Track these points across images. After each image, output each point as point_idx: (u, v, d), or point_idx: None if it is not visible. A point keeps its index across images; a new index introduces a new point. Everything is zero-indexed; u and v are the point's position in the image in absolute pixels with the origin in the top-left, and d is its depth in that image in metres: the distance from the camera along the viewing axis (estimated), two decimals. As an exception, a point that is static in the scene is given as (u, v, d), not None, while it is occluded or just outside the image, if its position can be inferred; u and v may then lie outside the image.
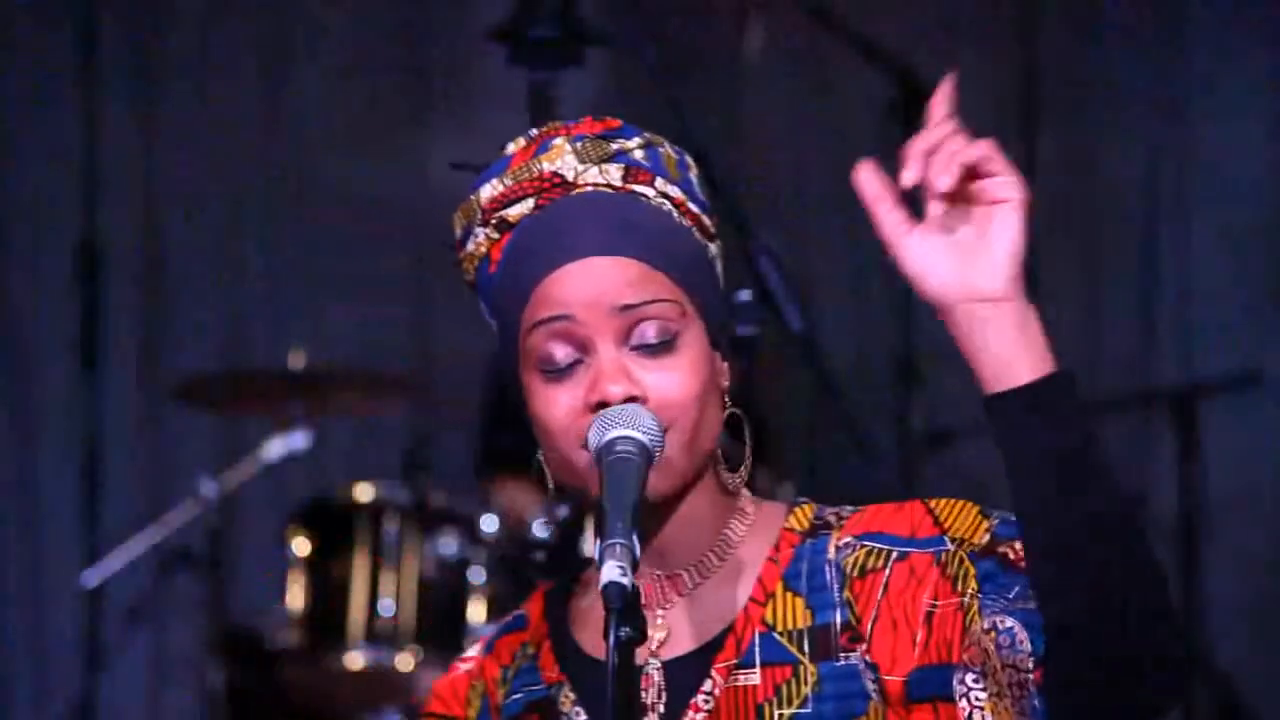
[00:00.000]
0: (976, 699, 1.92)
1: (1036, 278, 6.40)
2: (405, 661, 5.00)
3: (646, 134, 2.07)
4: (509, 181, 2.05)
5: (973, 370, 1.92)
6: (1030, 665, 1.88)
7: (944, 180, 1.87)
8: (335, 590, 5.12)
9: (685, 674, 2.00)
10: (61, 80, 6.19)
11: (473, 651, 2.16)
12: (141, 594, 5.82)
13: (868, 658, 1.97)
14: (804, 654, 1.99)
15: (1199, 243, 6.28)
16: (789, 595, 2.02)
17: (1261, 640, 6.16)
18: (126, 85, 6.30)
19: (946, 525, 2.01)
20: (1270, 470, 6.16)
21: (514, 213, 2.04)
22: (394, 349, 6.44)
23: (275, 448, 5.31)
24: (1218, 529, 5.88)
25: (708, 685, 2.00)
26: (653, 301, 1.98)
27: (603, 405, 1.96)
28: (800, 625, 2.00)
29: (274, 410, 5.37)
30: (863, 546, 2.02)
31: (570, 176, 2.03)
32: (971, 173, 1.91)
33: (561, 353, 1.98)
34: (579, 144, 2.04)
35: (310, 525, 5.24)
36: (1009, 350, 1.91)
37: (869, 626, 1.98)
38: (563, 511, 4.06)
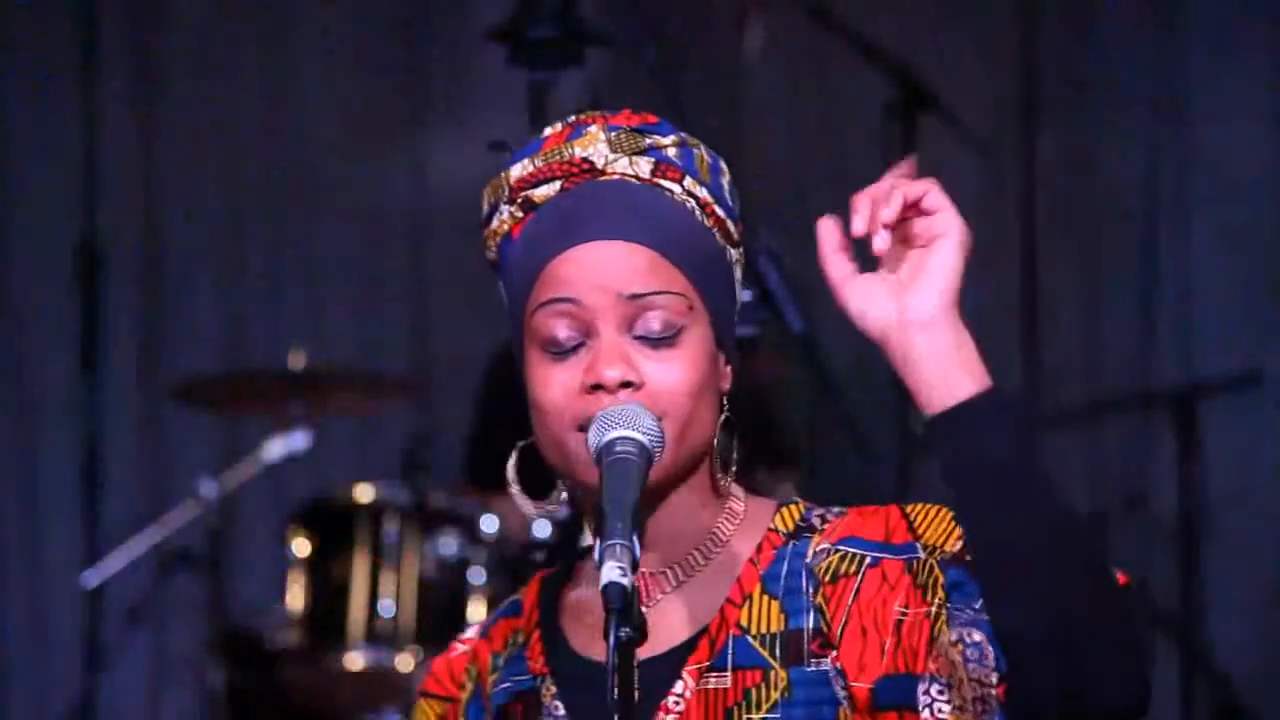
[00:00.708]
0: (940, 710, 1.92)
1: (1036, 278, 6.44)
2: (405, 662, 5.00)
3: (684, 134, 2.07)
4: (539, 162, 2.04)
5: (911, 397, 1.93)
6: (994, 680, 1.89)
7: (885, 213, 1.89)
8: (335, 590, 5.12)
9: (657, 674, 1.99)
10: (61, 80, 6.19)
11: (471, 632, 2.16)
12: (141, 594, 5.82)
13: (838, 665, 1.97)
14: (775, 658, 1.99)
15: (1199, 243, 6.28)
16: (765, 598, 2.02)
17: (1261, 640, 6.16)
18: (126, 85, 6.30)
19: (920, 531, 2.00)
20: (1270, 470, 6.16)
21: (540, 193, 2.04)
22: (394, 349, 6.45)
23: (275, 448, 5.31)
24: (1218, 529, 5.88)
25: (679, 687, 2.00)
26: (660, 293, 1.99)
27: (598, 388, 1.96)
28: (773, 629, 2.00)
29: (274, 410, 5.37)
30: (836, 552, 2.01)
31: (599, 164, 2.03)
32: (914, 211, 1.92)
33: (564, 334, 1.98)
34: (613, 134, 2.04)
35: (310, 525, 5.24)
36: (943, 371, 1.93)
37: (839, 632, 1.98)
38: (563, 512, 4.05)
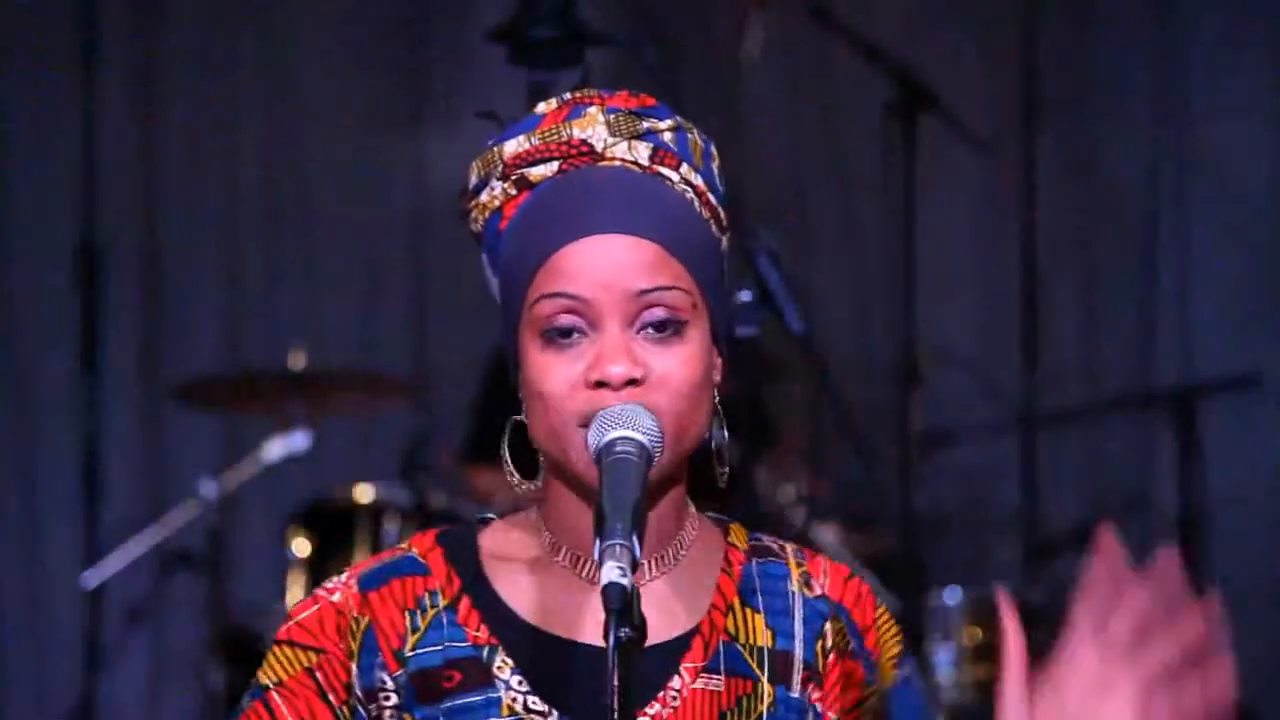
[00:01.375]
0: None
1: (1036, 278, 6.44)
2: (405, 662, 4.99)
3: (678, 117, 2.06)
4: (536, 140, 2.03)
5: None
6: None
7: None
8: (335, 591, 5.12)
9: (651, 666, 1.99)
10: (61, 80, 6.19)
11: (337, 583, 2.09)
12: (141, 594, 5.82)
13: (817, 705, 2.03)
14: (764, 672, 2.02)
15: (1199, 243, 6.29)
16: (748, 610, 2.04)
17: (1262, 640, 6.16)
18: (126, 85, 6.30)
19: (882, 649, 2.08)
20: (1270, 470, 6.16)
21: (536, 173, 2.02)
22: (394, 349, 6.45)
23: (275, 448, 5.31)
24: (1218, 529, 5.88)
25: (675, 683, 2.00)
26: (667, 288, 1.97)
27: (602, 384, 1.95)
28: (762, 643, 2.03)
29: (274, 410, 5.37)
30: (840, 622, 2.07)
31: (599, 147, 2.02)
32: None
33: (566, 325, 1.97)
34: (612, 116, 2.03)
35: (310, 525, 5.24)
36: None
37: (830, 703, 2.04)
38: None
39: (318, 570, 5.19)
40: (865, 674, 2.05)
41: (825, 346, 4.08)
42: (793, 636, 2.04)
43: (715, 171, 2.07)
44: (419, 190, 6.39)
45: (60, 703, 6.05)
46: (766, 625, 2.03)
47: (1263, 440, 6.16)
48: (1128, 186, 6.40)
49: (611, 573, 1.81)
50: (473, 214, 2.07)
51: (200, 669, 5.41)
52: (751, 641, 2.02)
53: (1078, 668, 1.95)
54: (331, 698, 2.03)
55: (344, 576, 2.09)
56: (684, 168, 2.04)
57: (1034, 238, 6.38)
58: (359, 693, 2.02)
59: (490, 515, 2.13)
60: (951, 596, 5.37)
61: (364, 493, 5.22)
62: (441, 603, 2.04)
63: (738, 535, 2.10)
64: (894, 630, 2.09)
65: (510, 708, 1.98)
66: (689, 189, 2.04)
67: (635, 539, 1.84)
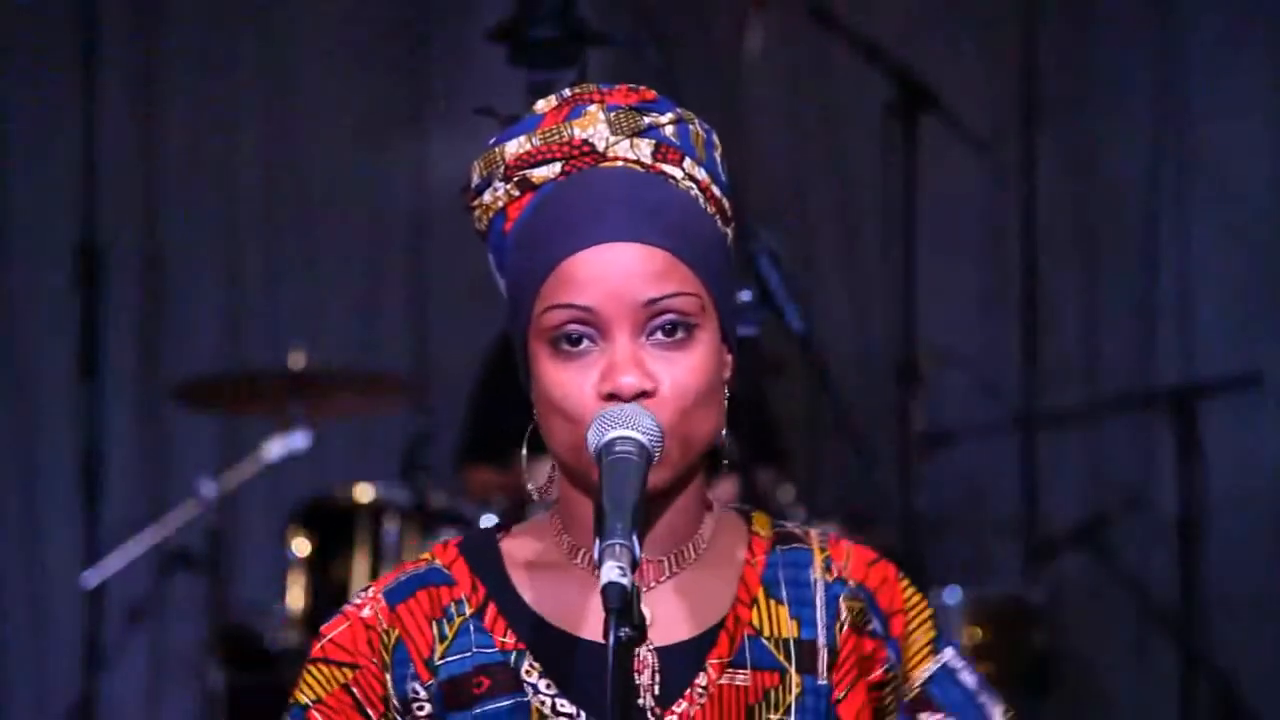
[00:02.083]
0: None
1: (1037, 278, 6.44)
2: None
3: (679, 109, 2.06)
4: (537, 141, 2.02)
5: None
6: None
7: None
8: (335, 590, 5.12)
9: (679, 663, 2.00)
10: (61, 80, 6.19)
11: (363, 599, 2.07)
12: (141, 594, 5.82)
13: (832, 683, 2.03)
14: (790, 663, 2.02)
15: (1199, 243, 6.29)
16: (771, 602, 2.04)
17: (1261, 640, 6.16)
18: (126, 85, 6.30)
19: (909, 635, 2.07)
20: (1270, 470, 6.16)
21: (539, 174, 2.02)
22: (394, 349, 6.45)
23: (275, 448, 5.31)
24: (1218, 529, 5.88)
25: (702, 679, 2.01)
26: (676, 295, 1.97)
27: (614, 397, 1.95)
28: (786, 634, 2.03)
29: (274, 410, 5.37)
30: (860, 601, 2.06)
31: (601, 147, 2.01)
32: None
33: (575, 334, 1.96)
34: (613, 114, 2.02)
35: (310, 525, 5.24)
36: None
37: (845, 687, 2.03)
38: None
39: (318, 570, 5.19)
40: (890, 657, 2.04)
41: (825, 346, 4.08)
42: (816, 624, 2.04)
43: (718, 161, 2.07)
44: (419, 190, 6.39)
45: (60, 703, 6.05)
46: (790, 616, 2.03)
47: (1263, 440, 6.16)
48: (1128, 186, 6.40)
49: (611, 572, 1.82)
50: (476, 213, 2.07)
51: (200, 669, 5.41)
52: (776, 634, 2.03)
53: None
54: (370, 711, 2.04)
55: (370, 592, 2.08)
56: (687, 162, 2.04)
57: (1034, 237, 6.38)
58: (395, 702, 2.03)
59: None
60: (951, 596, 5.37)
61: (364, 492, 5.22)
62: (468, 610, 2.05)
63: (761, 524, 2.10)
64: (924, 618, 2.08)
65: (539, 711, 1.99)
66: (693, 184, 2.04)
67: (635, 538, 1.85)
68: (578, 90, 2.06)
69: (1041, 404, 6.32)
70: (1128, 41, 6.41)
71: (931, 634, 2.07)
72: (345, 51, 6.44)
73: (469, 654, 2.02)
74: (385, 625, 2.05)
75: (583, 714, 1.98)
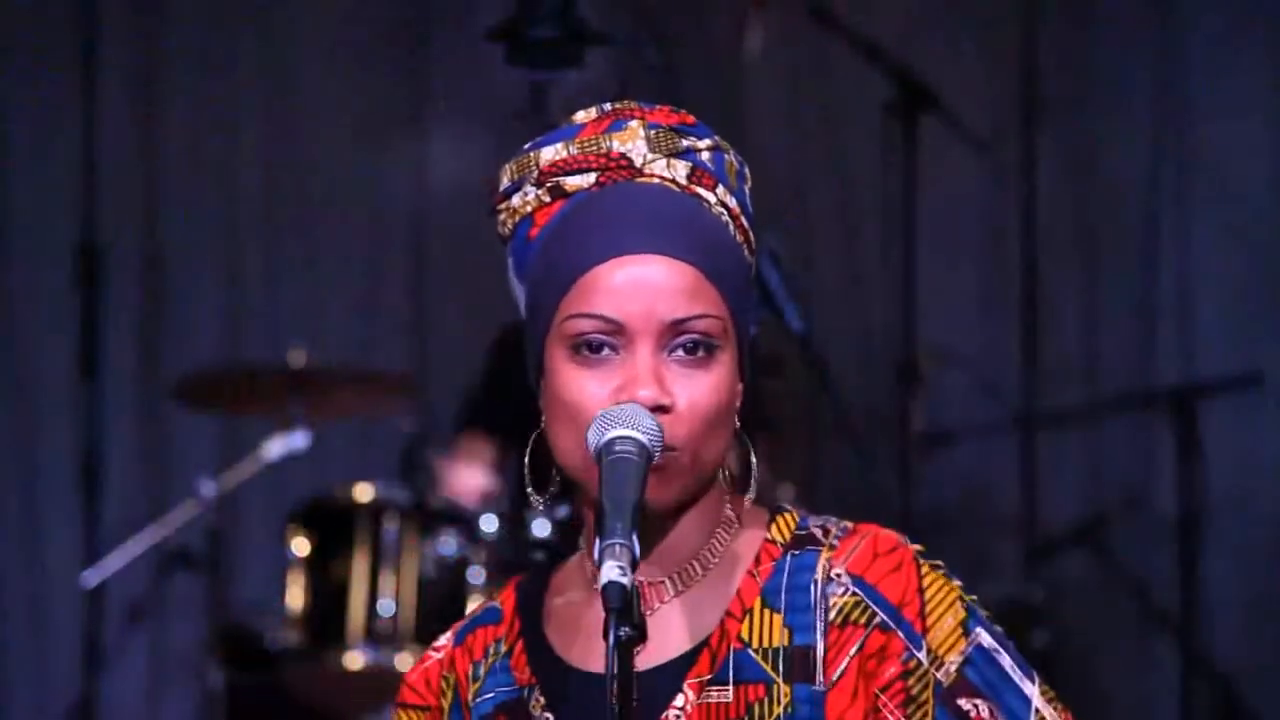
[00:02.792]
0: None
1: (1036, 277, 6.44)
2: (405, 661, 5.00)
3: (716, 137, 2.05)
4: (574, 150, 2.01)
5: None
6: None
7: None
8: (335, 590, 5.12)
9: (658, 686, 1.98)
10: (61, 80, 6.19)
11: (444, 640, 2.12)
12: (141, 594, 5.82)
13: (824, 690, 1.98)
14: (778, 673, 1.98)
15: (1199, 243, 6.29)
16: (767, 612, 2.01)
17: (1261, 640, 6.16)
18: (126, 85, 6.30)
19: (929, 624, 1.98)
20: (1270, 470, 6.16)
21: (573, 182, 2.00)
22: (394, 349, 6.45)
23: (275, 448, 5.31)
24: (1218, 529, 5.88)
25: (679, 700, 1.98)
26: (702, 316, 1.96)
27: None
28: (777, 643, 1.99)
29: (274, 410, 5.38)
30: (852, 594, 2.00)
31: (638, 163, 2.00)
32: None
33: (597, 342, 1.95)
34: (653, 132, 2.01)
35: (310, 525, 5.24)
36: None
37: (834, 678, 1.97)
38: (562, 511, 4.05)
39: (317, 570, 5.19)
40: (905, 647, 1.97)
41: (825, 346, 4.08)
42: (812, 629, 1.99)
43: (748, 194, 2.07)
44: (419, 190, 6.39)
45: (60, 703, 6.05)
46: (784, 624, 1.99)
47: (1263, 440, 6.16)
48: (1128, 186, 6.40)
49: (611, 571, 1.81)
50: (502, 216, 2.05)
51: (200, 669, 5.41)
52: (765, 644, 1.99)
53: None
54: None
55: (449, 632, 2.13)
56: (720, 189, 2.03)
57: (1034, 238, 6.38)
58: None
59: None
60: (951, 596, 5.36)
61: (364, 492, 5.22)
62: (503, 649, 2.07)
63: (782, 527, 2.06)
64: (949, 599, 2.00)
65: None
66: (724, 211, 2.03)
67: (635, 538, 1.84)
68: (619, 105, 2.05)
69: (1041, 404, 6.32)
70: (1128, 41, 6.41)
71: (961, 615, 2.00)
72: (345, 51, 6.44)
73: (492, 695, 2.05)
74: (446, 670, 2.09)
75: None
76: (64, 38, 6.18)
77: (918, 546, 2.04)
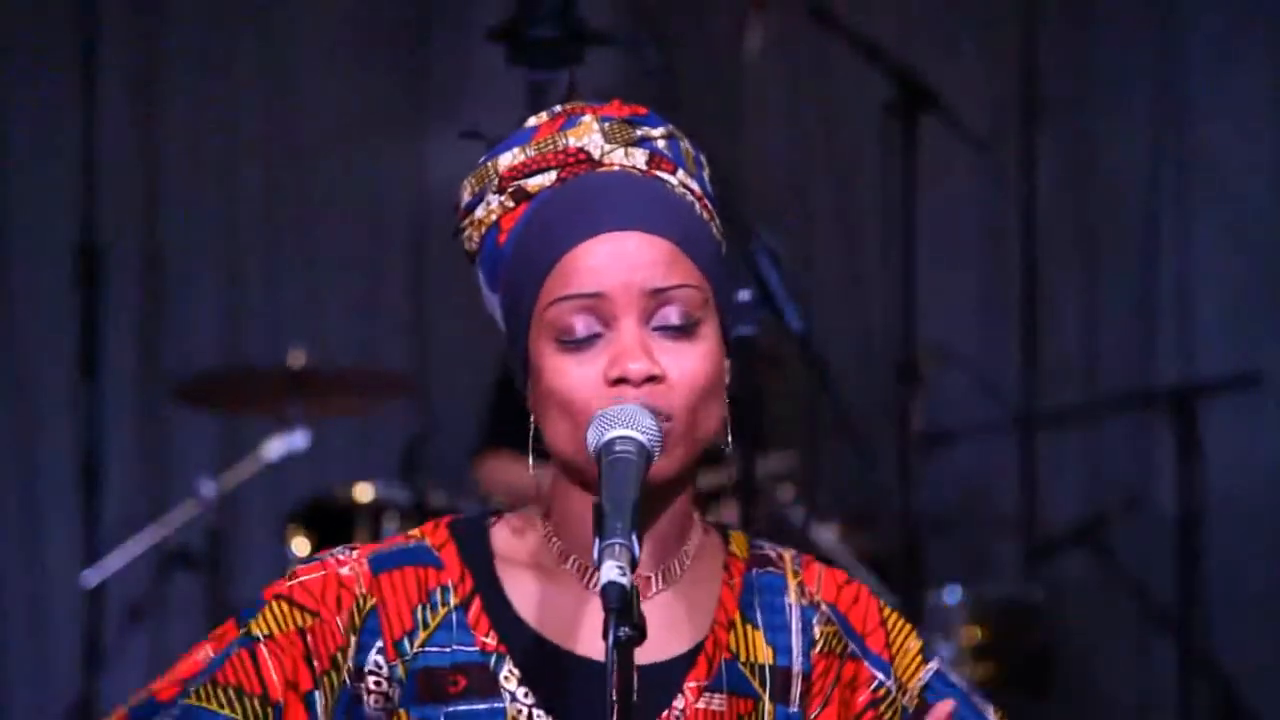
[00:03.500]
0: None
1: (1036, 277, 6.44)
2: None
3: (670, 125, 2.06)
4: (531, 152, 2.02)
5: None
6: None
7: None
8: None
9: (657, 684, 1.99)
10: (61, 80, 6.19)
11: (348, 556, 2.04)
12: (141, 594, 5.82)
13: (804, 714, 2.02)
14: (764, 691, 2.01)
15: (1199, 243, 6.29)
16: (748, 626, 2.04)
17: (1261, 640, 6.16)
18: (126, 85, 6.30)
19: (894, 649, 2.06)
20: (1270, 470, 6.16)
21: (534, 183, 2.02)
22: (394, 349, 6.44)
23: (275, 448, 5.31)
24: (1217, 528, 5.88)
25: (679, 702, 1.99)
26: (681, 286, 1.97)
27: (623, 381, 1.94)
28: (762, 660, 2.02)
29: (274, 410, 5.37)
30: (832, 624, 2.05)
31: (596, 155, 2.01)
32: None
33: (582, 326, 1.96)
34: (606, 124, 2.03)
35: (310, 525, 5.24)
36: None
37: (820, 706, 2.02)
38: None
39: (318, 570, 5.18)
40: (876, 674, 2.04)
41: (825, 346, 4.07)
42: (791, 651, 2.03)
43: (707, 180, 2.07)
44: (419, 190, 6.39)
45: (60, 703, 6.05)
46: (766, 642, 2.02)
47: (1263, 440, 6.16)
48: (1128, 186, 6.40)
49: (611, 572, 1.81)
50: (467, 231, 2.06)
51: (200, 669, 5.40)
52: (753, 659, 2.02)
53: None
54: (316, 664, 2.00)
55: (354, 552, 2.05)
56: (680, 173, 2.04)
57: (1034, 238, 6.37)
58: (349, 666, 2.00)
59: (492, 508, 2.13)
60: (951, 596, 5.37)
61: (364, 492, 5.22)
62: (453, 601, 2.02)
63: (738, 544, 2.09)
64: (907, 629, 2.08)
65: (515, 719, 1.98)
66: (688, 192, 2.04)
67: (634, 538, 1.84)
68: (570, 105, 2.06)
69: (1041, 404, 6.32)
70: (1128, 41, 6.41)
71: (919, 643, 2.08)
72: (345, 51, 6.44)
73: (449, 649, 2.00)
74: (363, 589, 2.02)
75: None
76: (64, 38, 6.18)
77: None
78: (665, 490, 1.99)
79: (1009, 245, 6.41)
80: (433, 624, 2.01)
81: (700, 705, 1.99)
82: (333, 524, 5.22)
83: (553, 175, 2.02)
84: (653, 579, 2.03)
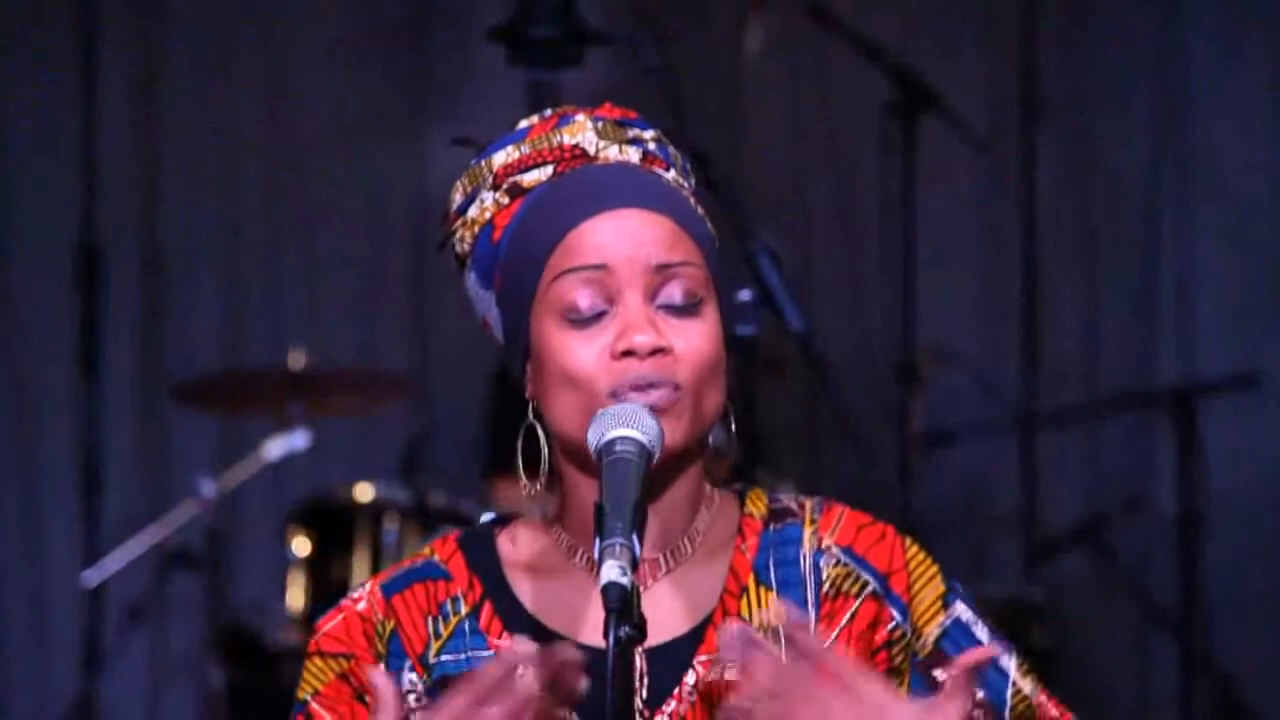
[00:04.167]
0: None
1: (1036, 277, 6.45)
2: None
3: (658, 130, 2.09)
4: (526, 149, 2.05)
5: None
6: None
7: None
8: (335, 590, 5.12)
9: (667, 663, 2.00)
10: (61, 80, 6.19)
11: (360, 593, 2.08)
12: (141, 594, 5.82)
13: None
14: (780, 650, 1.98)
15: (1199, 243, 6.29)
16: (762, 589, 2.04)
17: (1261, 640, 6.16)
18: (126, 85, 6.30)
19: (914, 591, 2.04)
20: (1270, 470, 6.16)
21: (530, 178, 2.04)
22: (394, 349, 6.44)
23: (275, 448, 5.31)
24: (1218, 528, 5.88)
25: (690, 678, 2.00)
26: (685, 264, 1.99)
27: (629, 354, 1.96)
28: (776, 621, 2.01)
29: (274, 410, 5.37)
30: (844, 565, 2.04)
31: (591, 151, 2.04)
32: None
33: (587, 302, 1.98)
34: (599, 124, 2.05)
35: (310, 525, 5.24)
36: None
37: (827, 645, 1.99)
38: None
39: (318, 569, 5.19)
40: (894, 615, 2.02)
41: (825, 346, 4.08)
42: (805, 602, 2.03)
43: (694, 184, 2.10)
44: (419, 190, 6.39)
45: (60, 703, 6.05)
46: (778, 599, 2.03)
47: (1263, 440, 6.16)
48: (1128, 186, 6.40)
49: (611, 571, 1.82)
50: (459, 234, 2.08)
51: (200, 669, 5.41)
52: (765, 621, 2.02)
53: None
54: (369, 699, 2.02)
55: (366, 586, 2.08)
56: (672, 171, 2.07)
57: (1034, 238, 6.37)
58: (405, 677, 2.03)
59: (499, 516, 2.13)
60: (951, 596, 5.36)
61: (364, 492, 5.22)
62: (464, 609, 2.04)
63: (755, 502, 2.09)
64: (931, 573, 2.05)
65: None
66: (682, 189, 2.07)
67: (635, 538, 1.85)
68: (561, 108, 2.08)
69: (1041, 404, 6.32)
70: (1128, 41, 6.41)
71: (941, 589, 2.05)
72: (345, 52, 6.44)
73: (464, 655, 2.03)
74: (380, 617, 2.05)
75: (575, 718, 1.96)
76: (64, 38, 6.18)
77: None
78: (673, 465, 1.99)
79: (1009, 245, 6.41)
80: (446, 634, 2.04)
81: (713, 677, 2.00)
82: (333, 524, 5.22)
83: (549, 170, 2.04)
84: (660, 560, 2.04)
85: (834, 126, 6.53)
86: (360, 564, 5.15)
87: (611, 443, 1.92)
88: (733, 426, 2.04)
